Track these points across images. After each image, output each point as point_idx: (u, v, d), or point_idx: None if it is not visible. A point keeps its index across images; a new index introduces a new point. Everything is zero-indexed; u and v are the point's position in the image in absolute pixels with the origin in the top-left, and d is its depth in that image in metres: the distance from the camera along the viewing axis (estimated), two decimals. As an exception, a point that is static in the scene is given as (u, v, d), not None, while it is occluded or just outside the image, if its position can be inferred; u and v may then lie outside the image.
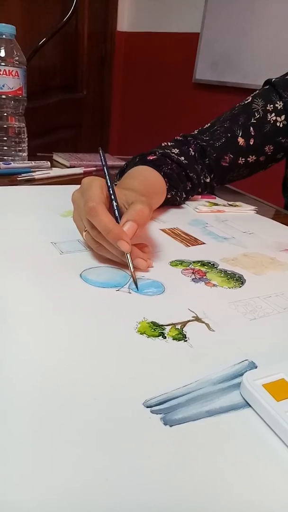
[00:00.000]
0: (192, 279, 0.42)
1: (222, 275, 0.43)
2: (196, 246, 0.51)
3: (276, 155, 0.74)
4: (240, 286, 0.41)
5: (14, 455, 0.21)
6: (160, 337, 0.31)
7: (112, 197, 0.43)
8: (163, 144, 0.70)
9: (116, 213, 0.42)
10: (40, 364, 0.27)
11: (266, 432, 0.24)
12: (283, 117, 0.70)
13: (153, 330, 0.32)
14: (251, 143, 0.70)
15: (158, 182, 0.60)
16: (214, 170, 0.70)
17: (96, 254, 0.44)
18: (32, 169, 0.79)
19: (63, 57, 2.00)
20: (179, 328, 0.33)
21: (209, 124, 0.73)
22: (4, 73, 0.79)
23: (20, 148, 0.87)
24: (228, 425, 0.24)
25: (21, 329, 0.31)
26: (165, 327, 0.33)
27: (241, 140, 0.69)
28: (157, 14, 2.21)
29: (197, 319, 0.35)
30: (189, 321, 0.34)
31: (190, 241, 0.53)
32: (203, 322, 0.34)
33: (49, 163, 0.84)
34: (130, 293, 0.38)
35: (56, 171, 0.82)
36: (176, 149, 0.67)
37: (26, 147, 0.89)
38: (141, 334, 0.32)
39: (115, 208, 0.43)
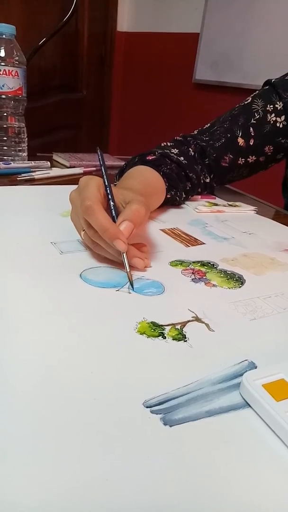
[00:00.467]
0: (192, 279, 0.42)
1: (222, 275, 0.43)
2: (196, 246, 0.51)
3: (276, 156, 0.74)
4: (240, 286, 0.41)
5: (14, 455, 0.21)
6: (160, 337, 0.31)
7: (109, 196, 0.43)
8: (162, 144, 0.70)
9: (113, 212, 0.42)
10: (40, 364, 0.27)
11: (265, 432, 0.24)
12: (283, 117, 0.70)
13: (153, 330, 0.32)
14: (251, 143, 0.70)
15: (157, 182, 0.60)
16: (213, 171, 0.70)
17: (94, 253, 0.44)
18: (32, 169, 0.79)
19: (63, 57, 2.00)
20: (179, 328, 0.33)
21: (208, 125, 0.73)
22: (4, 73, 0.79)
23: (20, 148, 0.87)
24: (228, 425, 0.24)
25: (21, 329, 0.31)
26: (165, 327, 0.33)
27: (241, 141, 0.70)
28: (157, 14, 2.21)
29: (197, 319, 0.35)
30: (189, 321, 0.34)
31: (190, 241, 0.53)
32: (203, 322, 0.34)
33: (49, 163, 0.84)
34: (130, 293, 0.38)
35: (56, 171, 0.82)
36: (175, 149, 0.67)
37: (26, 147, 0.89)
38: (141, 334, 0.32)
39: (112, 207, 0.43)
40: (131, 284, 0.39)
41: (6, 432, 0.22)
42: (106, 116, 2.46)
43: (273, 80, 0.72)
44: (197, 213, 0.65)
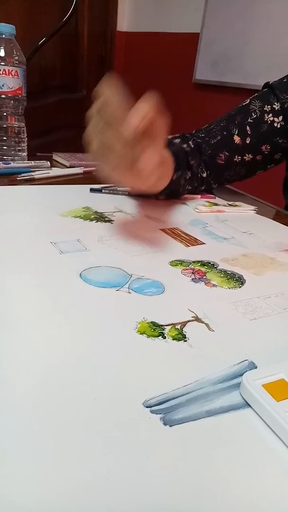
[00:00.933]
0: (192, 279, 0.42)
1: (222, 275, 0.43)
2: (196, 246, 0.51)
3: (273, 155, 0.74)
4: (240, 287, 0.41)
5: (14, 455, 0.21)
6: (160, 337, 0.31)
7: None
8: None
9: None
10: (40, 364, 0.27)
11: (265, 432, 0.24)
12: (280, 117, 0.70)
13: (152, 330, 0.32)
14: (248, 141, 0.70)
15: (168, 157, 0.60)
16: (209, 167, 0.71)
17: (94, 253, 0.44)
18: (31, 169, 0.79)
19: (63, 57, 2.00)
20: (179, 328, 0.33)
21: (206, 125, 0.74)
22: (4, 72, 0.79)
23: (20, 148, 0.87)
24: (228, 425, 0.24)
25: (21, 329, 0.31)
26: (164, 327, 0.33)
27: (237, 138, 0.70)
28: (157, 14, 2.21)
29: (196, 319, 0.35)
30: (189, 321, 0.34)
31: (190, 241, 0.53)
32: (203, 322, 0.34)
33: (48, 163, 0.84)
34: (129, 293, 0.38)
35: (55, 171, 0.82)
36: (178, 139, 0.69)
37: (26, 147, 0.89)
38: (141, 334, 0.32)
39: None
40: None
41: (6, 432, 0.22)
42: (106, 116, 2.46)
43: (271, 83, 0.72)
44: (197, 213, 0.65)
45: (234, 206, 0.70)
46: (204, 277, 0.43)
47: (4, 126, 0.84)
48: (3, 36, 0.78)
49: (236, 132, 0.70)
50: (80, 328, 0.31)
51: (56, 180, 0.78)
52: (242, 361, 0.30)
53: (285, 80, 0.71)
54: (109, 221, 0.57)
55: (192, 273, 0.43)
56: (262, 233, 0.58)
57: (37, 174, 0.76)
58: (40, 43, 1.76)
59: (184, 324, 0.34)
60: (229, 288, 0.41)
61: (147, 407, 0.25)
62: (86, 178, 0.82)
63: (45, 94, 1.92)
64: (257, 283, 0.42)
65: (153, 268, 0.43)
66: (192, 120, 0.76)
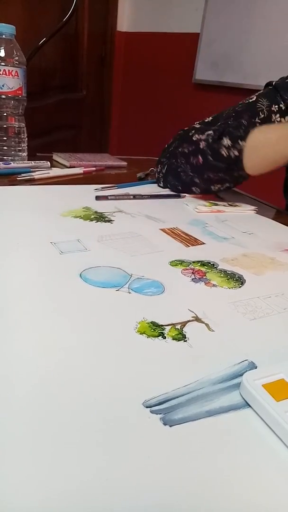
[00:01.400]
0: (192, 279, 0.42)
1: (222, 275, 0.43)
2: (196, 246, 0.51)
3: None
4: (240, 286, 0.41)
5: (14, 455, 0.21)
6: (160, 337, 0.31)
7: None
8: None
9: None
10: (40, 364, 0.27)
11: (265, 432, 0.24)
12: (287, 118, 0.70)
13: (152, 330, 0.32)
14: None
15: None
16: None
17: (94, 253, 0.44)
18: (31, 169, 0.79)
19: (63, 57, 2.00)
20: (179, 328, 0.33)
21: (211, 118, 0.73)
22: (4, 73, 0.79)
23: (20, 148, 0.87)
24: (228, 425, 0.24)
25: (20, 329, 0.31)
26: (164, 327, 0.33)
27: None
28: (157, 14, 2.21)
29: (196, 319, 0.35)
30: (188, 321, 0.34)
31: (190, 241, 0.53)
32: (202, 322, 0.34)
33: (48, 163, 0.84)
34: (129, 293, 0.38)
35: (55, 171, 0.82)
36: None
37: (26, 147, 0.89)
38: (140, 334, 0.32)
39: None
40: None
41: (6, 432, 0.22)
42: (106, 116, 2.46)
43: (274, 83, 0.72)
44: (197, 213, 0.65)
45: (234, 206, 0.70)
46: (204, 277, 0.43)
47: (4, 126, 0.84)
48: (3, 36, 0.78)
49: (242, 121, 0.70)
50: (80, 328, 0.31)
51: (56, 180, 0.78)
52: (242, 361, 0.30)
53: (287, 80, 0.71)
54: (109, 221, 0.57)
55: (192, 273, 0.43)
56: (262, 233, 0.58)
57: (37, 174, 0.76)
58: (40, 43, 1.76)
59: (184, 324, 0.34)
60: (229, 288, 0.41)
61: (147, 407, 0.25)
62: (86, 178, 0.82)
63: (45, 94, 1.92)
64: (257, 283, 0.42)
65: (153, 268, 0.43)
66: (192, 120, 0.76)
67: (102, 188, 0.72)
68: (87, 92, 2.23)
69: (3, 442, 0.21)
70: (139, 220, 0.59)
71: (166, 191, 0.74)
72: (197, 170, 0.69)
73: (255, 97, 0.71)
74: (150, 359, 0.29)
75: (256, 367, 0.29)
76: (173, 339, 0.31)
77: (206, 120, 0.74)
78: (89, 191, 0.70)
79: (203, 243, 0.52)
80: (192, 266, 0.45)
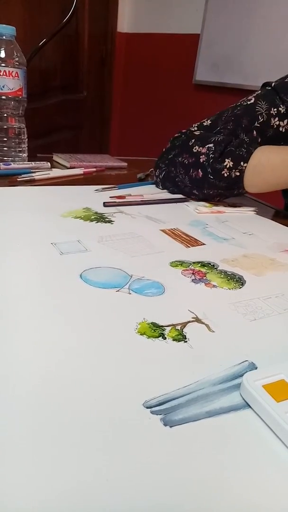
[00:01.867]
0: (192, 280, 0.42)
1: (222, 276, 0.43)
2: (196, 247, 0.51)
3: None
4: (240, 287, 0.41)
5: (14, 456, 0.21)
6: (160, 338, 0.31)
7: None
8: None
9: None
10: (40, 364, 0.27)
11: (266, 433, 0.24)
12: (285, 121, 0.69)
13: (153, 331, 0.32)
14: None
15: None
16: None
17: (95, 254, 0.44)
18: (32, 170, 0.79)
19: (64, 58, 2.00)
20: (179, 329, 0.33)
21: (209, 122, 0.73)
22: (4, 74, 0.79)
23: (20, 149, 0.87)
24: (228, 426, 0.24)
25: (21, 329, 0.31)
26: (165, 328, 0.33)
27: None
28: (157, 15, 2.21)
29: (197, 320, 0.35)
30: (189, 322, 0.34)
31: (190, 241, 0.53)
32: (203, 323, 0.34)
33: (49, 164, 0.85)
34: (130, 293, 0.38)
35: (56, 172, 0.82)
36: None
37: (26, 148, 0.89)
38: (141, 335, 0.32)
39: None
40: None
41: (6, 432, 0.22)
42: (107, 117, 2.46)
43: (273, 84, 0.71)
44: (197, 213, 0.65)
45: (234, 207, 0.70)
46: (204, 277, 0.43)
47: (5, 127, 0.84)
48: (4, 37, 0.78)
49: (243, 136, 0.69)
50: (80, 329, 0.31)
51: (57, 181, 0.78)
52: (242, 362, 0.30)
53: (286, 80, 0.71)
54: (110, 221, 0.57)
55: (192, 273, 0.43)
56: (262, 233, 0.58)
57: (38, 175, 0.77)
58: (40, 44, 1.76)
59: (184, 325, 0.34)
60: (229, 289, 0.41)
61: (147, 407, 0.25)
62: (86, 179, 0.83)
63: (46, 95, 1.92)
64: (258, 283, 0.42)
65: (153, 269, 0.43)
66: (192, 121, 0.76)
67: (103, 189, 0.72)
68: (88, 93, 2.23)
69: (3, 442, 0.21)
70: (140, 221, 0.59)
71: (171, 195, 0.74)
72: (196, 183, 0.68)
73: (253, 99, 0.71)
74: (150, 360, 0.29)
75: (256, 368, 0.29)
76: (174, 339, 0.31)
77: (205, 124, 0.73)
78: (90, 192, 0.70)
79: (204, 244, 0.53)
80: (192, 267, 0.45)
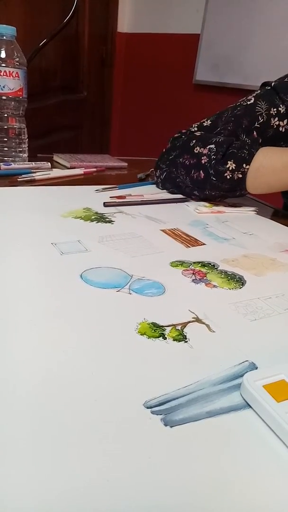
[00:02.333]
0: (193, 280, 0.42)
1: (223, 276, 0.43)
2: (197, 247, 0.51)
3: None
4: (241, 287, 0.41)
5: (14, 456, 0.21)
6: (161, 338, 0.31)
7: None
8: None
9: None
10: (41, 364, 0.27)
11: (266, 433, 0.24)
12: (285, 121, 0.70)
13: (153, 331, 0.32)
14: None
15: None
16: None
17: (95, 254, 0.44)
18: (32, 170, 0.79)
19: (64, 58, 2.00)
20: (180, 329, 0.33)
21: (209, 122, 0.73)
22: (5, 74, 0.79)
23: (21, 149, 0.87)
24: (228, 426, 0.24)
25: (21, 330, 0.31)
26: (165, 328, 0.33)
27: None
28: (158, 15, 2.21)
29: (197, 320, 0.35)
30: (189, 322, 0.34)
31: (191, 242, 0.53)
32: (203, 323, 0.34)
33: (49, 164, 0.85)
34: (130, 294, 0.38)
35: (56, 172, 0.82)
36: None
37: (27, 148, 0.89)
38: (141, 335, 0.32)
39: None
40: None
41: (6, 432, 0.22)
42: (107, 117, 2.46)
43: (273, 84, 0.71)
44: (197, 213, 0.65)
45: (234, 207, 0.70)
46: (205, 278, 0.43)
47: (5, 127, 0.84)
48: (4, 37, 0.78)
49: (244, 137, 0.69)
50: (80, 329, 0.31)
51: (57, 181, 0.78)
52: (243, 362, 0.30)
53: (286, 80, 0.71)
54: (110, 222, 0.57)
55: (193, 274, 0.43)
56: (263, 233, 0.58)
57: (38, 175, 0.77)
58: (40, 44, 1.76)
59: (184, 325, 0.34)
60: (230, 289, 0.41)
61: (147, 407, 0.25)
62: (86, 179, 0.83)
63: (46, 95, 1.92)
64: (258, 283, 0.42)
65: (154, 269, 0.43)
66: (192, 121, 0.76)
67: (103, 189, 0.72)
68: (88, 93, 2.23)
69: (3, 442, 0.21)
70: (140, 221, 0.59)
71: (172, 195, 0.74)
72: (198, 184, 0.68)
73: (253, 99, 0.71)
74: (150, 360, 0.29)
75: (256, 368, 0.29)
76: (174, 340, 0.31)
77: (205, 124, 0.73)
78: (90, 192, 0.70)
79: (204, 244, 0.52)
80: (192, 267, 0.45)
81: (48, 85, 1.94)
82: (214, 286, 0.41)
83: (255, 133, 0.69)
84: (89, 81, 2.22)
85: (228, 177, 0.65)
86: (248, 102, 0.71)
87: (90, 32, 2.11)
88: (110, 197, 0.67)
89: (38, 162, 0.84)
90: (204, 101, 2.08)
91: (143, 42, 2.32)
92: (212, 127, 0.72)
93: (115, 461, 0.21)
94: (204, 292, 0.40)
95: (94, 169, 0.88)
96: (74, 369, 0.27)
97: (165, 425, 0.24)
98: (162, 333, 0.32)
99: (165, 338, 0.31)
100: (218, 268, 0.45)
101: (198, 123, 0.74)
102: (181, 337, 0.32)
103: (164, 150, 0.76)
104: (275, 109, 0.69)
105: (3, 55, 0.78)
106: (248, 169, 0.64)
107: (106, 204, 0.63)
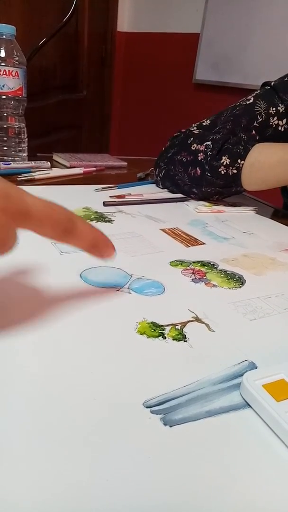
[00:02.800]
0: (192, 279, 0.42)
1: (222, 275, 0.43)
2: (196, 246, 0.51)
3: None
4: (240, 287, 0.41)
5: (13, 456, 0.21)
6: (160, 338, 0.31)
7: None
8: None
9: None
10: (40, 364, 0.27)
11: (266, 433, 0.24)
12: (284, 120, 0.70)
13: (153, 330, 0.32)
14: None
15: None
16: None
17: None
18: (32, 169, 0.79)
19: (63, 57, 2.00)
20: (179, 328, 0.33)
21: (209, 122, 0.73)
22: (4, 73, 0.79)
23: (20, 148, 0.87)
24: (228, 425, 0.24)
25: (20, 329, 0.31)
26: (165, 327, 0.33)
27: None
28: (157, 14, 2.21)
29: (197, 319, 0.35)
30: (189, 321, 0.34)
31: (190, 241, 0.53)
32: (203, 322, 0.34)
33: (49, 163, 0.84)
34: (130, 293, 0.38)
35: (56, 171, 0.82)
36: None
37: (26, 147, 0.89)
38: (141, 334, 0.32)
39: None
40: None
41: (6, 432, 0.22)
42: (107, 116, 2.47)
43: (272, 83, 0.71)
44: (197, 213, 0.65)
45: (234, 206, 0.70)
46: (204, 277, 0.43)
47: (5, 126, 0.84)
48: (4, 36, 0.78)
49: (241, 135, 0.69)
50: (80, 328, 0.31)
51: (57, 180, 0.78)
52: (242, 361, 0.30)
53: (286, 79, 0.71)
54: (109, 221, 0.57)
55: (192, 273, 0.43)
56: (262, 233, 0.58)
57: (38, 175, 0.76)
58: (40, 43, 1.76)
59: (184, 324, 0.34)
60: (229, 288, 0.41)
61: (147, 407, 0.25)
62: (86, 179, 0.83)
63: (46, 94, 1.92)
64: (258, 283, 0.42)
65: (153, 268, 0.43)
66: (192, 121, 0.76)
67: (103, 188, 0.72)
68: (87, 92, 2.23)
69: (3, 442, 0.21)
70: (139, 220, 0.59)
71: (171, 195, 0.74)
72: (195, 181, 0.68)
73: (252, 99, 0.71)
74: (150, 359, 0.29)
75: (256, 367, 0.29)
76: (173, 339, 0.31)
77: (204, 124, 0.73)
78: (89, 191, 0.70)
79: (203, 243, 0.52)
80: (192, 267, 0.45)
81: (48, 84, 1.94)
82: (214, 285, 0.41)
83: (253, 132, 0.69)
84: (88, 80, 2.22)
85: (222, 172, 0.64)
86: (248, 102, 0.71)
87: (90, 31, 2.11)
88: (110, 197, 0.67)
89: (38, 162, 0.83)
90: (204, 101, 2.08)
91: (142, 41, 2.32)
92: (212, 126, 0.72)
93: (115, 460, 0.21)
94: (204, 291, 0.40)
95: (94, 169, 0.88)
96: (73, 369, 0.27)
97: (165, 424, 0.24)
98: (162, 333, 0.32)
99: (164, 338, 0.31)
100: (218, 268, 0.45)
101: (198, 123, 0.74)
102: (181, 337, 0.32)
103: (163, 148, 0.76)
104: (274, 109, 0.69)
105: (2, 54, 0.78)
106: (243, 164, 0.64)
107: (105, 204, 0.63)
